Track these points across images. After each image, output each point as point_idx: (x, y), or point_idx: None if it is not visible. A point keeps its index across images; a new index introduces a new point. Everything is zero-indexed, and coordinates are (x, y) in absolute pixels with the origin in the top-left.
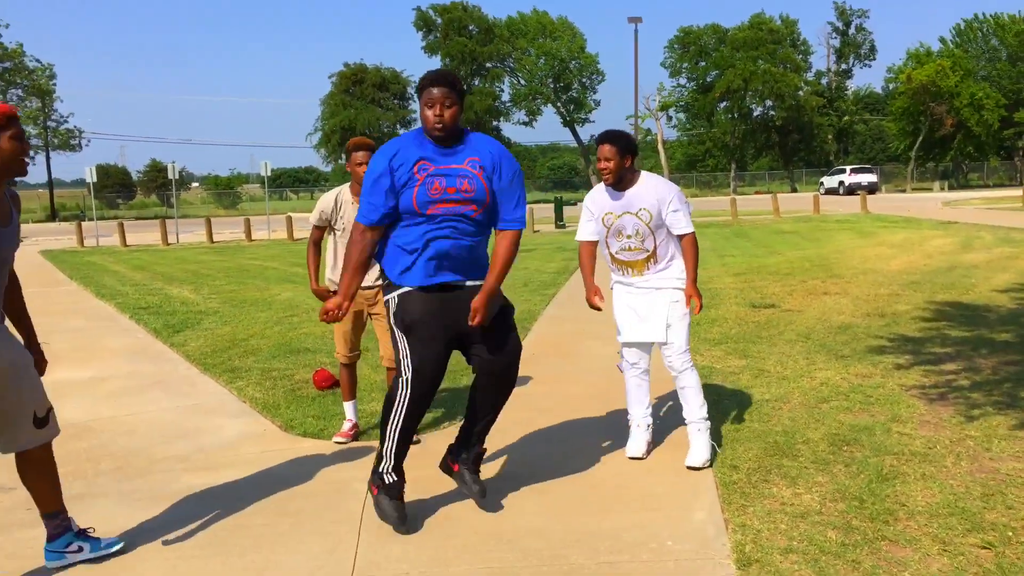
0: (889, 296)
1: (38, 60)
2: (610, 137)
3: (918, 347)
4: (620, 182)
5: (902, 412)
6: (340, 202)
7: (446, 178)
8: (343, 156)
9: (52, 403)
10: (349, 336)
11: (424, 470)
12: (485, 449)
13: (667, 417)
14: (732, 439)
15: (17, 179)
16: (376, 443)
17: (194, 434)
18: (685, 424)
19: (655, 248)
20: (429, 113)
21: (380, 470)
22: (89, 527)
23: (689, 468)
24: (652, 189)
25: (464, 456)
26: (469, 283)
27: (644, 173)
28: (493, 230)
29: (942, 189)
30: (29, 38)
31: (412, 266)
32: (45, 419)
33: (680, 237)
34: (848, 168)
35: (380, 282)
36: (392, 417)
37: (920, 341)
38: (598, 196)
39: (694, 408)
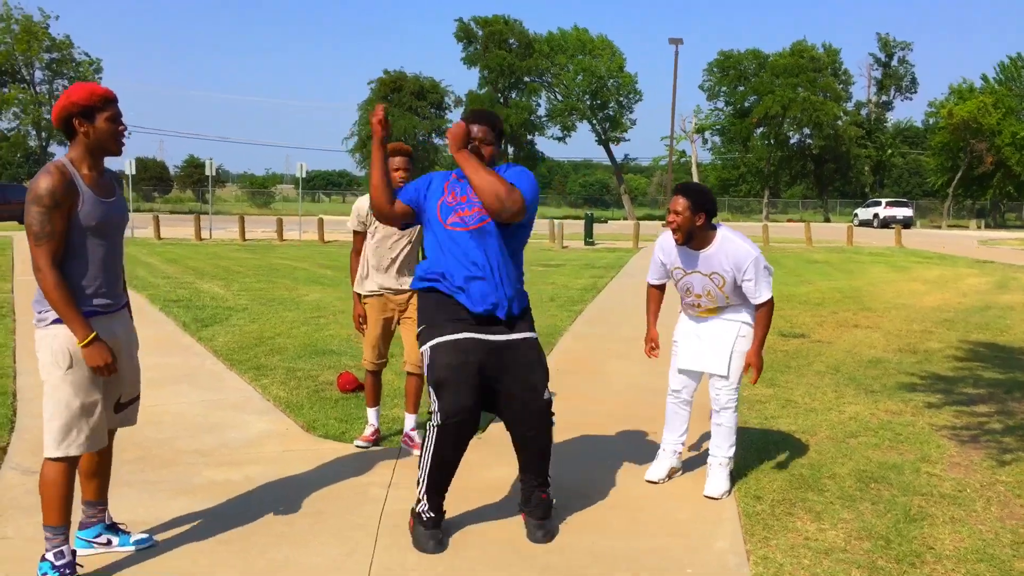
0: (922, 333)
1: (86, 54)
2: (684, 190)
3: (950, 386)
4: (690, 240)
5: (932, 452)
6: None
7: None
8: None
9: (138, 393)
10: (377, 343)
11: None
12: (549, 498)
13: (697, 444)
14: (757, 469)
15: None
16: (393, 449)
17: (218, 429)
18: (708, 455)
19: (727, 303)
20: None
21: (417, 509)
22: (121, 522)
23: (707, 497)
24: (729, 254)
25: (527, 508)
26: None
27: (722, 231)
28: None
29: (978, 227)
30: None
31: None
32: (127, 404)
33: (756, 306)
34: (884, 201)
35: (410, 287)
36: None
37: (952, 380)
38: (668, 246)
39: (723, 446)
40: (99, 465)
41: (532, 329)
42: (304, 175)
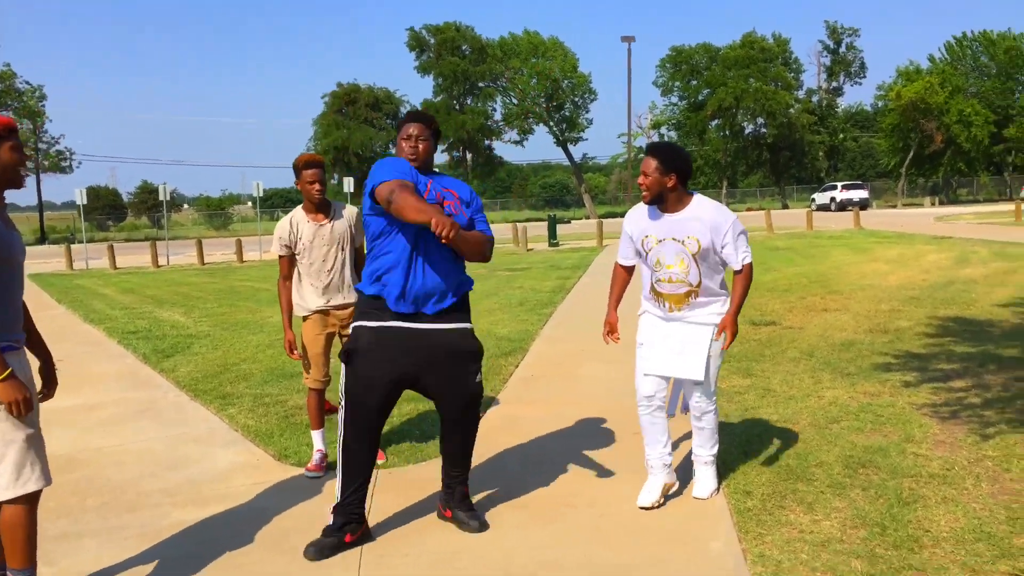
0: (890, 312)
1: (28, 82)
2: (652, 149)
3: (924, 364)
4: (662, 202)
5: (915, 432)
6: (296, 223)
7: None
8: (294, 176)
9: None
10: (321, 359)
11: (427, 503)
12: (467, 488)
13: (675, 442)
14: (743, 463)
15: (7, 202)
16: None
17: (184, 465)
18: (691, 455)
19: (699, 283)
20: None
21: (330, 508)
22: None
23: (696, 498)
24: (705, 215)
25: (451, 501)
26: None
27: (698, 197)
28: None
29: (932, 204)
30: (18, 59)
31: None
32: None
33: (736, 271)
34: (839, 184)
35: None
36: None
37: (926, 358)
38: (637, 215)
39: (707, 446)
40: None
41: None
42: (261, 194)
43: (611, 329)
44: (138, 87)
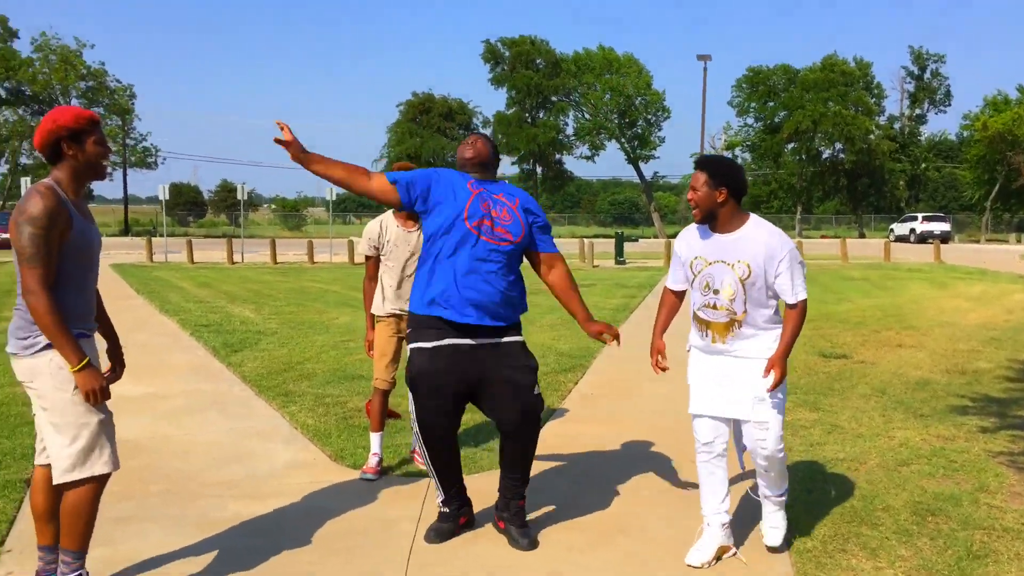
0: (969, 352)
1: (119, 80)
2: (701, 162)
3: (1004, 409)
4: (712, 221)
5: (990, 481)
6: (385, 227)
7: None
8: None
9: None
10: (390, 361)
11: (478, 514)
12: (523, 503)
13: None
14: (805, 502)
15: (95, 193)
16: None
17: (246, 459)
18: (757, 495)
19: (744, 312)
20: None
21: (437, 499)
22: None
23: (768, 548)
24: (760, 238)
25: (506, 514)
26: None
27: (754, 217)
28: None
29: (1018, 241)
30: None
31: None
32: None
33: (789, 305)
34: (920, 215)
35: None
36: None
37: (1005, 403)
38: (688, 235)
39: (777, 490)
40: (55, 502)
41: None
42: (334, 198)
43: (657, 351)
44: (222, 89)
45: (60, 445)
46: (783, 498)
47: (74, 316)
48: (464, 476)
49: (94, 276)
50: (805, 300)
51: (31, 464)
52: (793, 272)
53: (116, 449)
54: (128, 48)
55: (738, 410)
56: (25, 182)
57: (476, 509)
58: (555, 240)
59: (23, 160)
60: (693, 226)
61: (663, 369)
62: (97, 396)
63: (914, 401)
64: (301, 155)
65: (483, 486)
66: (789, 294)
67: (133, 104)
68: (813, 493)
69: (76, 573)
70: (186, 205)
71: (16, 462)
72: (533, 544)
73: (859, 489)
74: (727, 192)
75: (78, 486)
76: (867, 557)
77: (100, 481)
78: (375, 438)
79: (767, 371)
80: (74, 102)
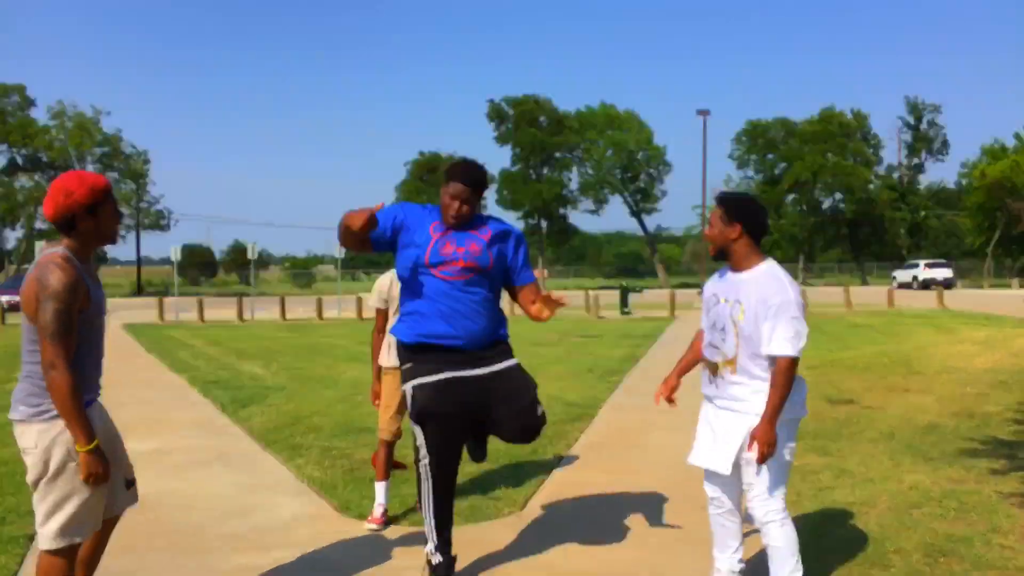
0: (977, 396)
1: (134, 146)
2: (721, 198)
3: (1013, 451)
4: (727, 258)
5: (1002, 522)
6: (394, 281)
7: None
8: None
9: (134, 475)
10: (396, 414)
11: (483, 563)
12: None
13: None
14: (815, 546)
15: (108, 256)
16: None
17: (250, 512)
18: None
19: (735, 357)
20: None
21: (427, 549)
22: None
23: None
24: (761, 283)
25: None
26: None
27: (768, 262)
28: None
29: (1022, 286)
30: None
31: None
32: (133, 482)
33: (772, 358)
34: (922, 262)
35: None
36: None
37: (1015, 445)
38: (714, 278)
39: (777, 568)
40: (95, 550)
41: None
42: (343, 255)
43: (666, 388)
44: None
45: (47, 511)
46: None
47: (87, 383)
48: (467, 525)
49: (102, 340)
50: (789, 359)
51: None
52: (777, 322)
53: (99, 517)
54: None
55: (718, 462)
56: (39, 246)
57: (478, 556)
58: (563, 292)
59: (38, 225)
60: (723, 269)
61: (668, 401)
62: (98, 480)
63: (923, 445)
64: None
65: (492, 535)
66: (768, 345)
67: (147, 168)
68: (823, 538)
69: None
70: (198, 265)
71: (20, 518)
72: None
73: (870, 532)
74: (741, 228)
75: (54, 555)
76: None
77: (74, 550)
78: (380, 488)
79: (750, 445)
80: (89, 167)
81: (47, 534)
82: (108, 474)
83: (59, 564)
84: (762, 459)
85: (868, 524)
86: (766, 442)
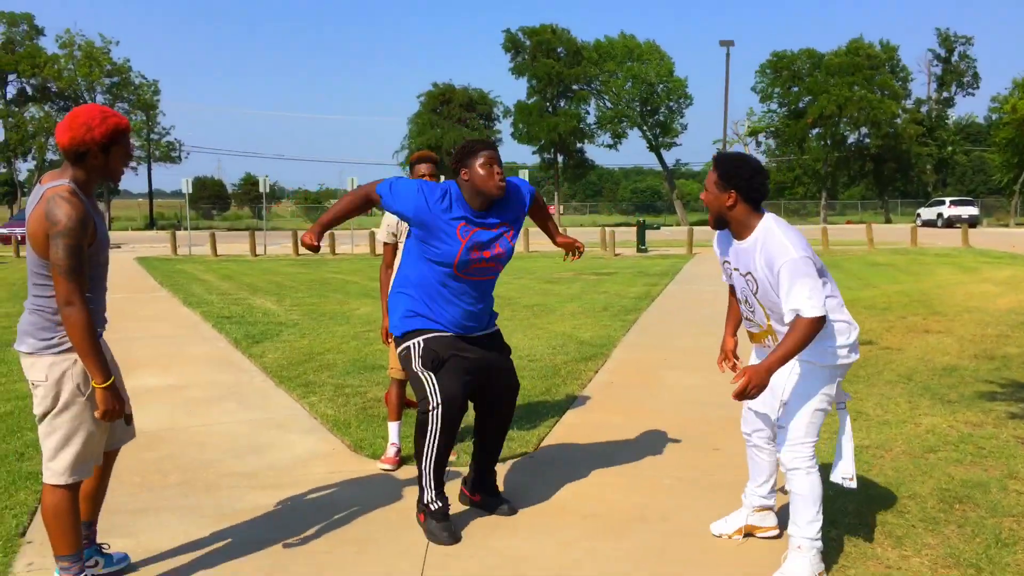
0: (997, 337)
1: (143, 76)
2: (715, 160)
3: None
4: (726, 225)
5: (1019, 468)
6: None
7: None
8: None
9: (132, 410)
10: None
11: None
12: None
13: None
14: (829, 488)
15: (121, 189)
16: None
17: (264, 449)
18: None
19: (769, 326)
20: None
21: (424, 500)
22: (104, 543)
23: None
24: (761, 249)
25: (482, 489)
26: None
27: (766, 222)
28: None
29: None
30: (136, 53)
31: None
32: (130, 417)
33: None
34: (947, 200)
35: None
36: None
37: None
38: (719, 237)
39: (802, 522)
40: (99, 485)
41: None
42: (355, 188)
43: (726, 356)
44: (244, 84)
45: (53, 447)
46: (808, 539)
47: (94, 318)
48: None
49: (105, 274)
50: (812, 320)
51: None
52: (793, 285)
53: (99, 456)
54: (153, 43)
55: (761, 403)
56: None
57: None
58: (579, 229)
59: (49, 156)
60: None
61: (733, 368)
62: (113, 417)
63: (941, 387)
64: (318, 234)
65: (504, 477)
66: (786, 306)
67: (157, 100)
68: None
69: (82, 574)
70: (210, 199)
71: (39, 454)
72: (513, 510)
73: (884, 476)
74: (736, 195)
75: (60, 490)
76: (892, 546)
77: (77, 487)
78: (393, 428)
79: (736, 377)
80: (99, 98)
81: (56, 469)
82: (123, 411)
83: (66, 498)
84: (737, 395)
85: (883, 468)
86: (752, 382)
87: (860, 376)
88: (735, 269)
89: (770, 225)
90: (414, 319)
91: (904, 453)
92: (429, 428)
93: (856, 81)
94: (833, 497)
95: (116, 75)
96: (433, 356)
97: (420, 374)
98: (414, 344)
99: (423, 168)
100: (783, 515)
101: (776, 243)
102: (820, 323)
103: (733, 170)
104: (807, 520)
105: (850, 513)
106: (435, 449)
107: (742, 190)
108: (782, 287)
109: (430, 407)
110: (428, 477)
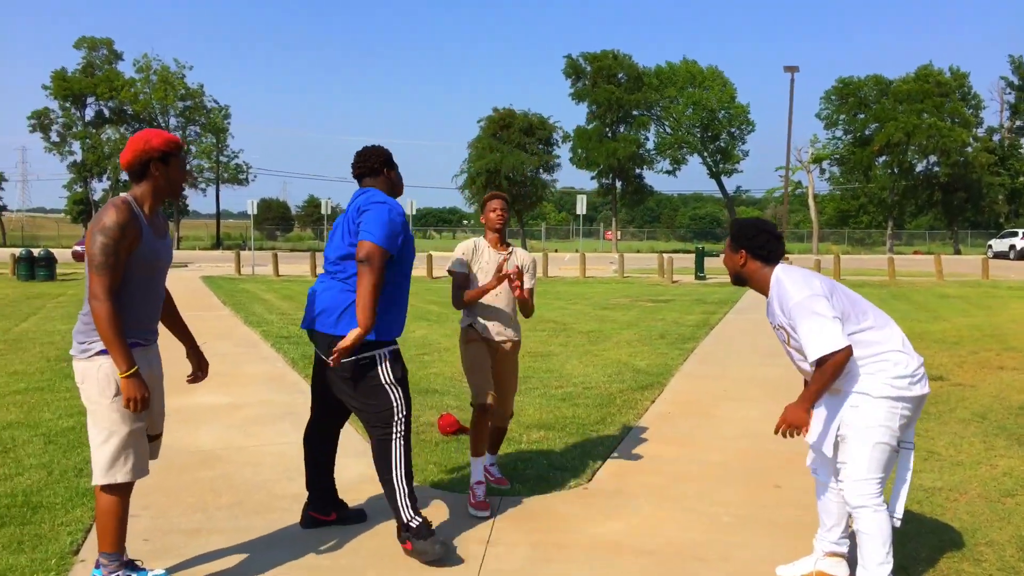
0: None
1: (216, 101)
2: (730, 226)
3: None
4: (743, 282)
5: None
6: (480, 246)
7: None
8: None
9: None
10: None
11: (548, 536)
12: None
13: None
14: (901, 532)
15: (190, 208)
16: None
17: None
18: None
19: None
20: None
21: (405, 521)
22: (137, 559)
23: None
24: (777, 303)
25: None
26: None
27: (776, 273)
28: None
29: None
30: (208, 78)
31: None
32: (157, 436)
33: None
34: (1020, 231)
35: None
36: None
37: None
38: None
39: (869, 564)
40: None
41: None
42: (414, 212)
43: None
44: (311, 107)
45: (95, 447)
46: None
47: (134, 324)
48: (529, 496)
49: (157, 289)
50: (829, 354)
51: None
52: (800, 325)
53: (143, 461)
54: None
55: (816, 440)
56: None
57: (547, 531)
58: (635, 255)
59: (124, 177)
60: None
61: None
62: (137, 405)
63: (1018, 427)
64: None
65: (557, 508)
66: (808, 355)
67: (228, 123)
68: (909, 523)
69: (116, 575)
70: (274, 220)
71: None
72: (364, 515)
73: (960, 521)
74: (746, 254)
75: (106, 491)
76: None
77: (124, 488)
78: (477, 464)
79: (778, 426)
80: (172, 121)
81: (95, 468)
82: (148, 401)
83: (112, 501)
84: (776, 430)
85: (958, 512)
86: (789, 420)
87: (931, 413)
88: (772, 324)
89: (778, 275)
90: (397, 324)
91: (980, 497)
92: (398, 445)
93: (925, 108)
94: (904, 542)
95: (189, 99)
96: (402, 369)
97: (391, 388)
98: (385, 353)
99: (495, 204)
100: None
101: (783, 291)
102: (840, 355)
103: (740, 232)
104: (876, 562)
105: (922, 560)
106: (406, 463)
107: (750, 249)
108: (796, 331)
109: (394, 422)
110: (405, 492)
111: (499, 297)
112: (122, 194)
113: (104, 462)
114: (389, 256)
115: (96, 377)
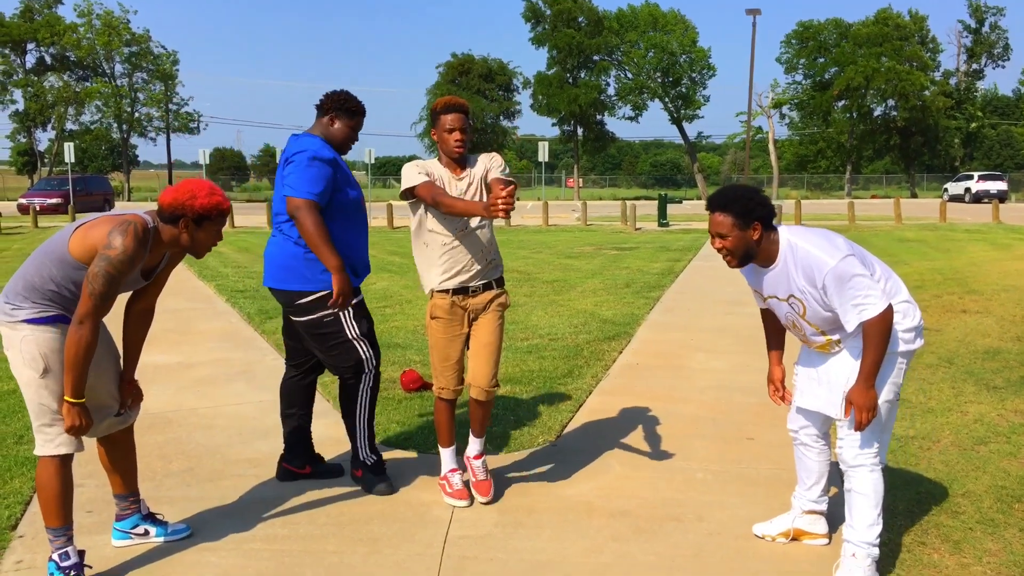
0: None
1: (163, 46)
2: (722, 203)
3: None
4: (750, 261)
5: None
6: (433, 177)
7: None
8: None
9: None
10: (456, 361)
11: (514, 500)
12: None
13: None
14: None
15: (140, 159)
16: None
17: (273, 434)
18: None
19: (829, 338)
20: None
21: (361, 459)
22: (159, 512)
23: None
24: (797, 270)
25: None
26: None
27: (786, 237)
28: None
29: None
30: (155, 24)
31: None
32: (140, 397)
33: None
34: (975, 174)
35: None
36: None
37: None
38: (746, 268)
39: (860, 525)
40: (116, 458)
41: None
42: (372, 161)
43: (774, 386)
44: (263, 55)
45: (31, 416)
46: (868, 544)
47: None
48: (497, 454)
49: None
50: (877, 315)
51: None
52: (843, 291)
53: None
54: (172, 14)
55: (826, 405)
56: (69, 148)
57: (507, 490)
58: (598, 203)
59: (69, 126)
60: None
61: (782, 399)
62: (77, 433)
63: (985, 372)
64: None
65: (526, 467)
66: (848, 320)
67: (176, 70)
68: (885, 475)
69: (60, 551)
70: (229, 170)
71: None
72: (341, 470)
73: (935, 471)
74: (761, 225)
75: (44, 462)
76: (950, 551)
77: (62, 460)
78: (447, 455)
79: (847, 410)
80: (117, 67)
81: (36, 439)
82: (88, 428)
83: (47, 472)
84: (859, 426)
85: (932, 462)
86: (865, 407)
87: None
88: (772, 296)
89: (793, 241)
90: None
91: (953, 445)
92: (367, 393)
93: (884, 52)
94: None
95: (135, 44)
96: (368, 323)
97: (357, 341)
98: (348, 311)
99: (451, 120)
100: (834, 521)
101: (810, 257)
102: (889, 313)
103: (750, 204)
104: (866, 523)
105: (900, 513)
106: (370, 409)
107: (764, 218)
108: (833, 299)
109: (364, 372)
110: (367, 434)
111: (476, 233)
112: (147, 216)
113: (40, 433)
114: (316, 204)
115: (19, 348)
